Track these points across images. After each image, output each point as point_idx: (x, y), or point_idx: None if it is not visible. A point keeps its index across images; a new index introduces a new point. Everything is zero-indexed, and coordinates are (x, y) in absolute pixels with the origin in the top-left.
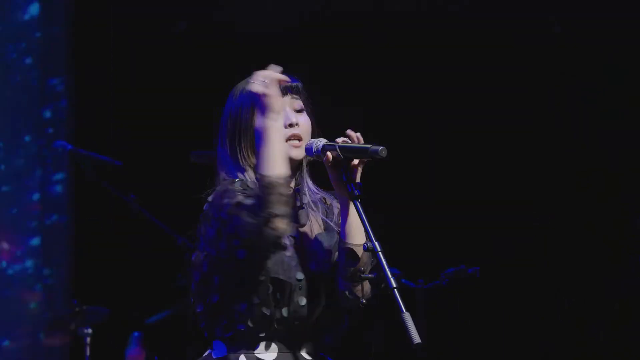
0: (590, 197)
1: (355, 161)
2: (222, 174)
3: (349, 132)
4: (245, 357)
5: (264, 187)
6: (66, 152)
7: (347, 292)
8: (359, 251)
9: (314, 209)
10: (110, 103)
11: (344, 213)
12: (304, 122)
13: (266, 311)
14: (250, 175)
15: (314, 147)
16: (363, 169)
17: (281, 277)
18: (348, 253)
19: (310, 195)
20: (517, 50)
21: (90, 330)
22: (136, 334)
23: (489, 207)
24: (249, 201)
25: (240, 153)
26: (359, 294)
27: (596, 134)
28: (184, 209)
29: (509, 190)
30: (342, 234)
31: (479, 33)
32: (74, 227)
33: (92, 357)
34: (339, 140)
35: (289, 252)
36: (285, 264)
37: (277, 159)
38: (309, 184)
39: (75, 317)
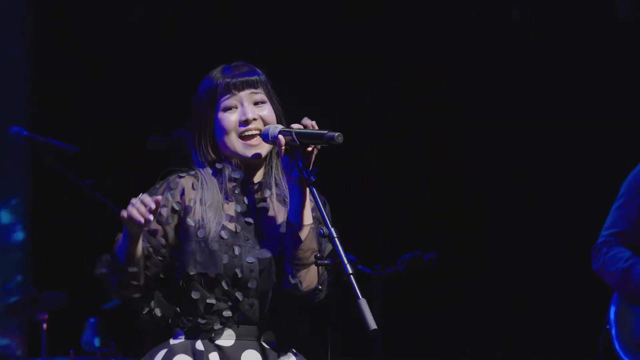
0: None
1: (310, 147)
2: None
3: (305, 120)
4: (202, 343)
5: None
6: (22, 137)
7: (289, 276)
8: (304, 232)
9: (282, 202)
10: (68, 89)
11: (293, 196)
12: (267, 115)
13: (211, 301)
14: (206, 171)
15: (270, 133)
16: (316, 156)
17: (205, 271)
18: (293, 233)
19: (277, 188)
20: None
21: (46, 316)
22: (92, 319)
23: (445, 193)
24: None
25: (200, 147)
26: (301, 280)
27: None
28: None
29: (465, 176)
30: (290, 216)
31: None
32: (31, 212)
33: (48, 342)
34: (295, 126)
35: (215, 244)
36: (209, 255)
37: (132, 250)
38: (276, 177)
39: (32, 302)
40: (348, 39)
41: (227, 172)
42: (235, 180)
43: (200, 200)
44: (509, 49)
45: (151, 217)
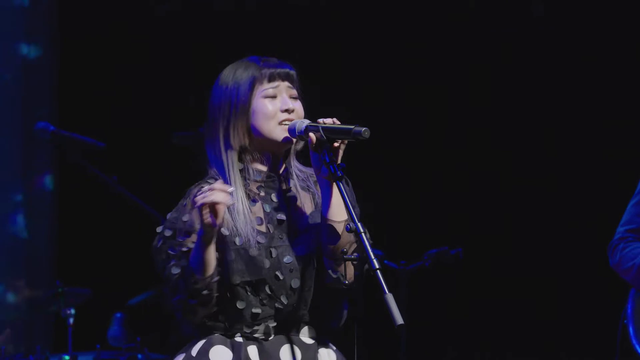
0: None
1: (337, 142)
2: (211, 172)
3: (326, 119)
4: (242, 337)
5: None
6: (48, 133)
7: (330, 271)
8: (340, 228)
9: (307, 189)
10: (93, 83)
11: (325, 193)
12: (299, 109)
13: (257, 310)
14: (233, 158)
15: (297, 128)
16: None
17: (249, 278)
18: (329, 230)
19: (298, 178)
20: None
21: (72, 311)
22: (118, 314)
23: (471, 187)
24: (174, 278)
25: (234, 131)
26: (342, 273)
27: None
28: (166, 189)
29: (491, 170)
30: (324, 212)
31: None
32: (57, 207)
33: (74, 338)
34: (321, 121)
35: (254, 250)
36: (250, 262)
37: (209, 258)
38: (297, 166)
39: (58, 298)
40: (348, 38)
41: (251, 173)
42: (258, 181)
43: (229, 208)
44: (509, 49)
45: (233, 199)
